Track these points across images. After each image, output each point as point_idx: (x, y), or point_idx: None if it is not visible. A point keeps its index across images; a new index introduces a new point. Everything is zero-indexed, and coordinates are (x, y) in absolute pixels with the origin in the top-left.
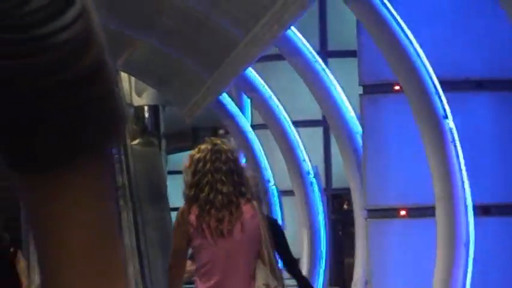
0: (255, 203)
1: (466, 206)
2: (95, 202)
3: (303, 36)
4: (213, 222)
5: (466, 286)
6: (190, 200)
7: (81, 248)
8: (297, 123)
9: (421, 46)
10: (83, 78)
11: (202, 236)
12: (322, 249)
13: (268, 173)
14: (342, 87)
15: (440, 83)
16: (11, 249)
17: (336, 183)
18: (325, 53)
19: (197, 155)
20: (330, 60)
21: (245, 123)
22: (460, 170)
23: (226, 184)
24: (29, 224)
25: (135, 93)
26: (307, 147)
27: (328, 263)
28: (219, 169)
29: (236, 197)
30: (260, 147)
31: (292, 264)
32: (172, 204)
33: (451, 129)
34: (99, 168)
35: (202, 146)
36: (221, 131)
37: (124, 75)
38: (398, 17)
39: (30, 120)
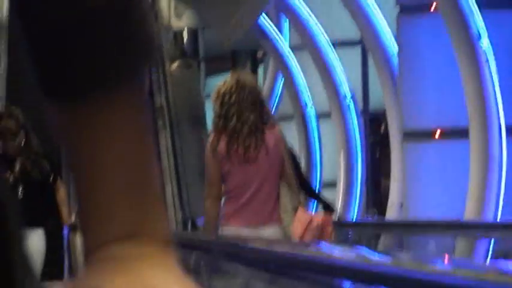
0: (277, 128)
1: (499, 126)
2: (131, 128)
3: None
4: (240, 149)
5: (498, 207)
6: (219, 129)
7: (118, 173)
8: (335, 44)
9: None
10: (115, 3)
11: (231, 162)
12: (358, 171)
13: (306, 96)
14: (381, 6)
15: (476, 2)
16: (51, 177)
17: (374, 106)
18: None
19: (223, 88)
20: None
21: (283, 45)
22: (494, 90)
23: (251, 113)
24: (65, 154)
25: (174, 15)
26: (345, 69)
27: (365, 185)
28: (244, 100)
29: (261, 125)
30: (299, 69)
31: (307, 186)
32: (210, 127)
33: (484, 50)
34: (135, 94)
35: (228, 79)
36: (260, 53)
37: None
38: None
39: (67, 44)
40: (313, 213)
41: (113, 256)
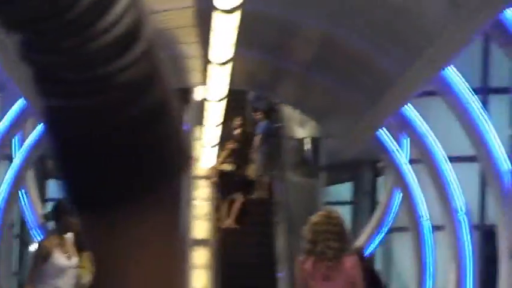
0: (355, 256)
1: None
2: (161, 241)
3: (464, 71)
4: (323, 269)
5: None
6: (307, 252)
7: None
8: (452, 159)
9: None
10: (146, 117)
11: (315, 279)
12: (469, 286)
13: (422, 208)
14: (499, 123)
15: None
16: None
17: (491, 220)
18: (486, 89)
19: (315, 219)
20: (490, 96)
21: (402, 158)
22: None
23: (335, 242)
24: (94, 261)
25: (298, 125)
26: (461, 183)
27: None
28: (331, 230)
29: (342, 252)
30: (416, 181)
31: None
32: None
33: None
34: (166, 206)
35: (319, 213)
36: (380, 164)
37: (288, 109)
38: None
39: (97, 158)
40: None
41: None
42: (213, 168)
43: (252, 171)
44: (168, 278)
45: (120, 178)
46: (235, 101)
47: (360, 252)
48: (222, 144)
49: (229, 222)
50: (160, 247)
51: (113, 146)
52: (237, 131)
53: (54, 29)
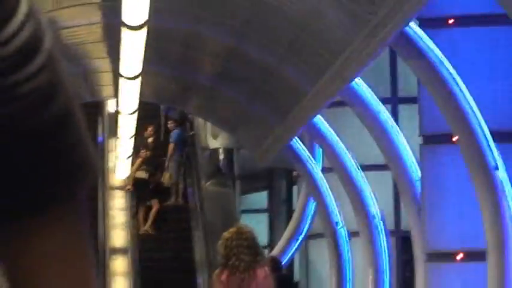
0: (266, 268)
1: None
2: (68, 250)
3: (373, 82)
4: (238, 281)
5: None
6: (222, 265)
7: None
8: (365, 167)
9: (476, 99)
10: (49, 127)
11: None
12: None
13: (337, 215)
14: (409, 133)
15: (492, 134)
16: None
17: (406, 226)
18: (396, 99)
19: (227, 235)
20: (400, 106)
21: (315, 167)
22: (511, 218)
23: (246, 255)
24: (4, 273)
25: (211, 136)
26: (376, 191)
27: None
28: (242, 245)
29: (254, 264)
30: (329, 190)
31: None
32: None
33: (501, 180)
34: (71, 216)
35: (231, 229)
36: (295, 173)
37: (200, 120)
38: (454, 73)
39: (2, 167)
40: None
41: None
42: (128, 177)
43: (166, 178)
44: (76, 284)
45: (23, 188)
46: (147, 110)
47: (275, 261)
48: (136, 152)
49: (146, 229)
50: (68, 258)
51: (17, 156)
52: (150, 140)
53: None
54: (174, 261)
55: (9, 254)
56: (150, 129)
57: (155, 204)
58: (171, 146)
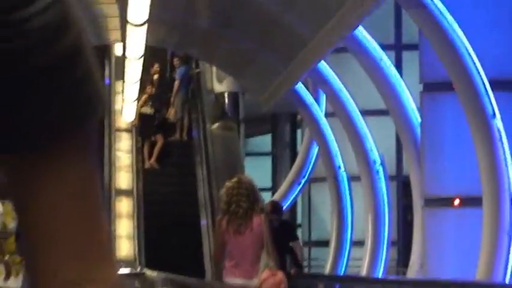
0: (262, 216)
1: (511, 199)
2: (78, 182)
3: (378, 29)
4: (236, 226)
5: (507, 273)
6: (223, 212)
7: (64, 223)
8: (367, 113)
9: (476, 49)
10: (60, 62)
11: (229, 234)
12: (385, 233)
13: (339, 159)
14: (413, 79)
15: (491, 83)
16: None
17: (407, 171)
18: (400, 46)
19: (229, 185)
20: (404, 52)
21: (318, 112)
22: (507, 166)
23: (245, 203)
24: (13, 206)
25: (217, 80)
26: (378, 136)
27: (397, 245)
28: (241, 193)
29: (251, 211)
30: (331, 134)
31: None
32: None
33: (498, 129)
34: (81, 148)
35: (233, 179)
36: (299, 117)
37: (207, 65)
38: (454, 23)
39: (11, 103)
40: (275, 273)
41: None
42: (134, 114)
43: (171, 114)
44: (87, 219)
45: (33, 121)
46: (154, 48)
47: (275, 205)
48: (141, 88)
49: (151, 163)
50: (79, 189)
51: (30, 90)
52: (156, 76)
53: None
54: (178, 196)
55: (20, 193)
56: (156, 66)
57: (160, 140)
58: (176, 83)
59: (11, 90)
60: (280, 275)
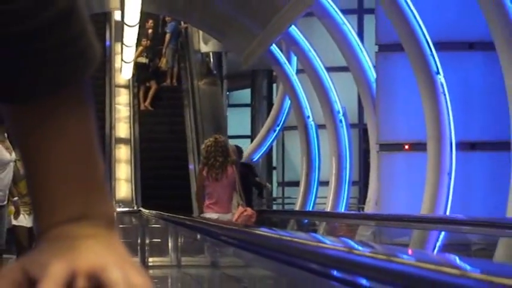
0: (234, 166)
1: (450, 144)
2: (76, 126)
3: None
4: (214, 174)
5: (447, 207)
6: (203, 163)
7: (66, 163)
8: (331, 69)
9: (421, 12)
10: (56, 21)
11: (208, 180)
12: (346, 174)
13: (308, 110)
14: (364, 42)
15: (436, 44)
16: None
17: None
18: (361, 11)
19: (208, 143)
20: (365, 16)
21: (290, 69)
22: (448, 116)
23: (220, 157)
24: (18, 148)
25: (203, 42)
26: (341, 90)
27: (358, 185)
28: (217, 150)
29: (225, 163)
30: (301, 89)
31: (258, 187)
32: (230, 133)
33: (442, 83)
34: (79, 98)
35: (210, 138)
36: (275, 73)
37: (194, 29)
38: None
39: (13, 57)
40: (246, 209)
41: (62, 236)
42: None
43: (163, 63)
44: (86, 161)
45: (40, 72)
46: None
47: (239, 149)
48: (138, 41)
49: (146, 105)
50: (78, 129)
51: (32, 44)
52: (150, 31)
53: None
54: (169, 134)
55: (24, 140)
56: (150, 21)
57: (153, 85)
58: (167, 36)
59: (9, 48)
60: (249, 210)
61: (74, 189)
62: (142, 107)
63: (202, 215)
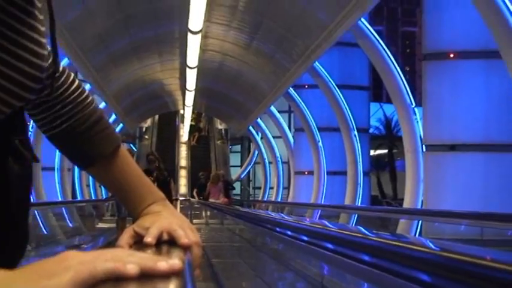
0: (221, 181)
1: None
2: (131, 161)
3: None
4: (214, 185)
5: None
6: (210, 182)
7: (136, 179)
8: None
9: None
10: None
11: (211, 187)
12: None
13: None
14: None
15: None
16: (168, 178)
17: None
18: None
19: (212, 173)
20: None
21: (258, 137)
22: None
23: (216, 179)
24: (107, 182)
25: (219, 123)
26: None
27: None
28: (215, 176)
29: (217, 180)
30: (264, 147)
31: (229, 188)
32: (231, 164)
33: None
34: (122, 150)
35: (213, 173)
36: (251, 139)
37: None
38: None
39: (81, 141)
40: (224, 199)
41: (150, 211)
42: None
43: (202, 123)
44: (140, 175)
45: (97, 149)
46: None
47: (223, 175)
48: (192, 131)
49: (193, 142)
50: (133, 164)
51: (86, 133)
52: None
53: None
54: (202, 163)
55: (102, 176)
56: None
57: (197, 134)
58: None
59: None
60: (226, 199)
61: (146, 188)
62: (192, 143)
63: (208, 200)
